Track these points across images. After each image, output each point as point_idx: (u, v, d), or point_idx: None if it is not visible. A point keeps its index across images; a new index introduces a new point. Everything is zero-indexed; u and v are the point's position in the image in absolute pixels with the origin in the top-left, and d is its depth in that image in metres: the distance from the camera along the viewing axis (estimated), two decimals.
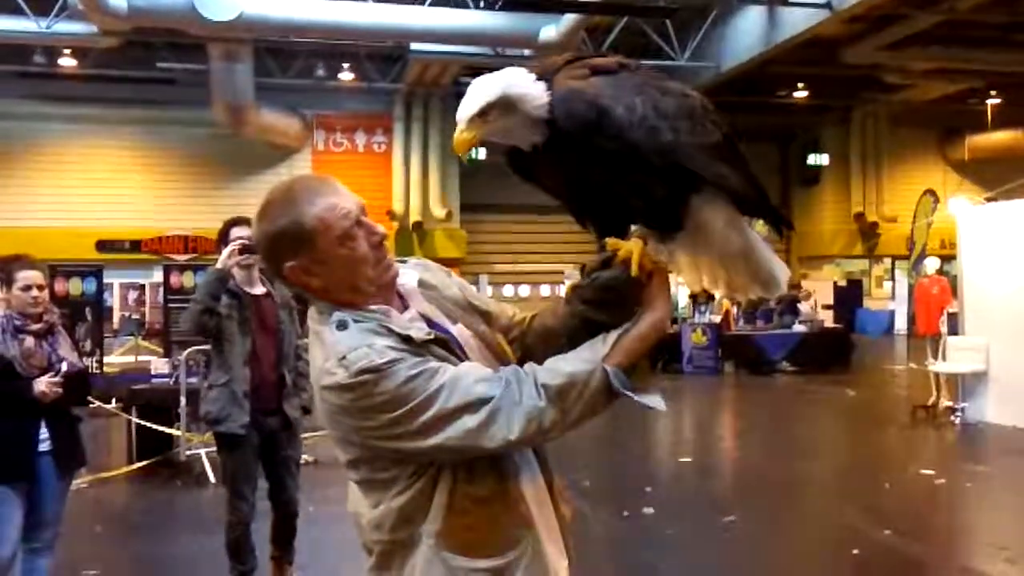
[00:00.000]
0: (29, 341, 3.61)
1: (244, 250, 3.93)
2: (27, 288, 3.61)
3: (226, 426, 3.94)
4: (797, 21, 13.13)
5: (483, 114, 1.45)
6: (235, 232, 4.04)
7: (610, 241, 1.53)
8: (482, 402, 1.39)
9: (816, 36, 13.65)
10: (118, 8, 12.61)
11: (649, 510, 5.93)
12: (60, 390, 3.57)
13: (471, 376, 1.41)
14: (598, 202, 1.56)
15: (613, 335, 1.46)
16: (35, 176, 18.51)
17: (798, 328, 14.65)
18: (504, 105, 1.44)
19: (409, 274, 1.58)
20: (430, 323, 1.52)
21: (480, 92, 1.45)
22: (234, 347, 3.98)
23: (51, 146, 18.70)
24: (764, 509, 6.12)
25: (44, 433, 3.63)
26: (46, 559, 3.72)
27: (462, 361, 1.48)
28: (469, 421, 1.38)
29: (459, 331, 1.56)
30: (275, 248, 1.47)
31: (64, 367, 3.63)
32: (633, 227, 1.58)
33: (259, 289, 4.12)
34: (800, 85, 19.84)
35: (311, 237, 1.43)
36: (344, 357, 1.40)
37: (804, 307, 15.87)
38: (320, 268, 1.46)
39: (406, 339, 1.43)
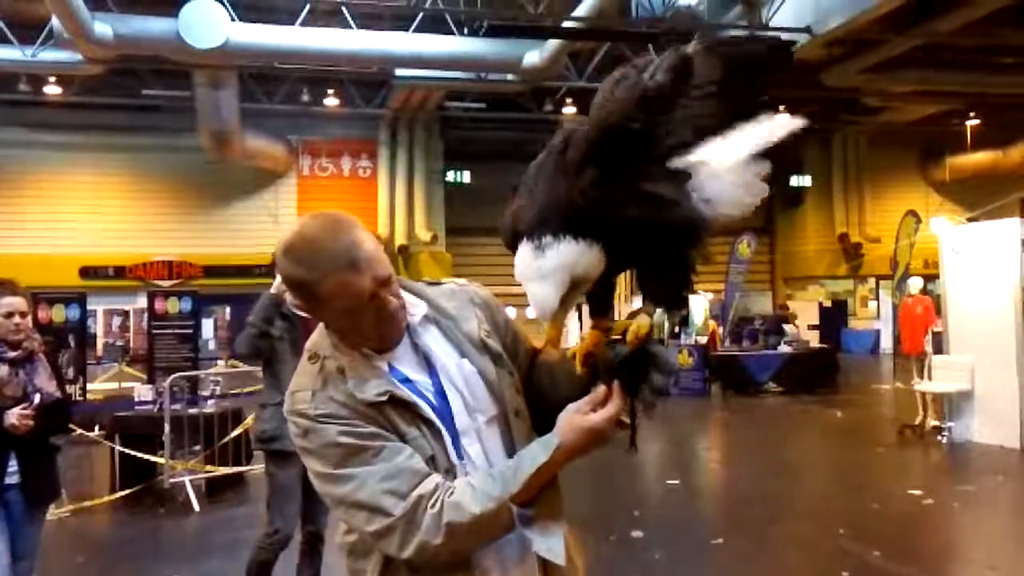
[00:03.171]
0: (3, 370, 3.52)
1: None
2: (9, 315, 3.53)
3: (281, 443, 3.98)
4: None
5: (563, 303, 1.41)
6: None
7: (619, 323, 1.49)
8: (382, 514, 1.37)
9: (797, 60, 13.80)
10: (104, 36, 12.65)
11: (638, 533, 5.91)
12: (31, 422, 3.45)
13: (387, 483, 1.37)
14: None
15: (531, 464, 1.38)
16: (19, 203, 18.44)
17: (784, 349, 14.71)
18: (575, 283, 1.40)
19: (420, 306, 1.55)
20: (429, 365, 1.51)
21: (549, 284, 1.39)
22: (286, 367, 4.04)
23: (35, 173, 18.64)
24: (753, 531, 6.10)
25: (13, 465, 3.52)
26: None
27: (428, 423, 1.45)
28: (366, 523, 1.39)
29: (461, 366, 1.53)
30: (287, 283, 1.48)
31: (37, 398, 3.52)
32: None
33: None
34: (781, 108, 20.00)
35: (319, 299, 1.44)
36: (293, 393, 1.47)
37: (790, 328, 15.94)
38: (320, 314, 1.49)
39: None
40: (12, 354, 3.55)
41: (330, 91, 18.02)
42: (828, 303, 23.60)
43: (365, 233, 1.47)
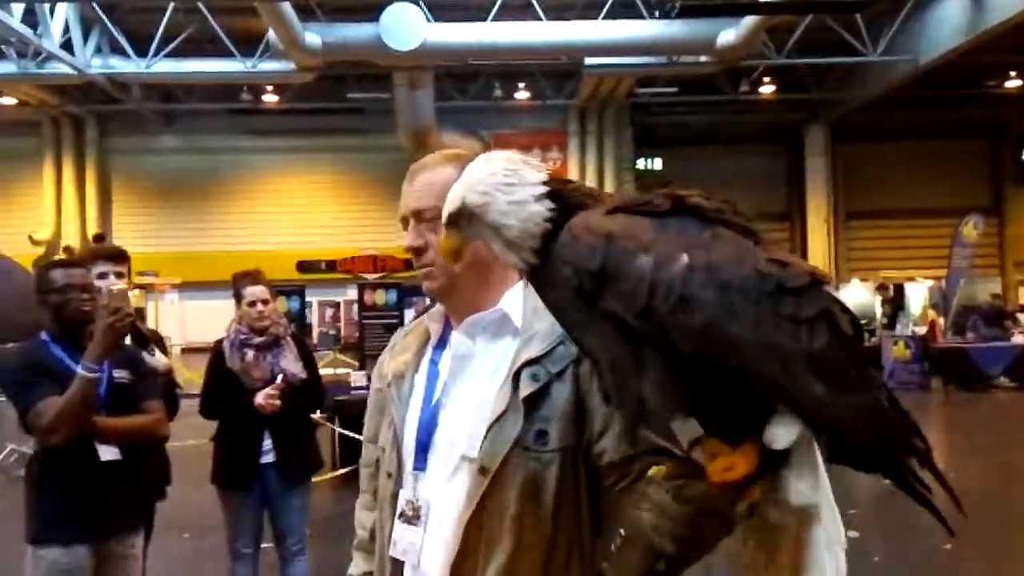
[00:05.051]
0: (250, 355, 3.76)
1: None
2: (252, 304, 3.79)
3: None
4: (1007, 5, 12.02)
5: (452, 223, 1.17)
6: None
7: (708, 445, 1.09)
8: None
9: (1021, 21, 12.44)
10: (313, 44, 13.54)
11: (854, 533, 5.54)
12: (278, 402, 3.67)
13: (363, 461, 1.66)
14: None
15: None
16: (246, 203, 20.20)
17: (1018, 339, 13.32)
18: (467, 215, 1.16)
19: (516, 313, 1.39)
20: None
21: (451, 195, 1.18)
22: None
23: (256, 176, 20.33)
24: (983, 538, 5.55)
25: (268, 444, 3.74)
26: (297, 567, 3.85)
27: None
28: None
29: (484, 388, 1.35)
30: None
31: (280, 379, 3.73)
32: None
33: None
34: (1013, 74, 18.15)
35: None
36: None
37: None
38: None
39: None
40: (258, 339, 3.80)
41: (520, 85, 18.28)
42: None
43: None
